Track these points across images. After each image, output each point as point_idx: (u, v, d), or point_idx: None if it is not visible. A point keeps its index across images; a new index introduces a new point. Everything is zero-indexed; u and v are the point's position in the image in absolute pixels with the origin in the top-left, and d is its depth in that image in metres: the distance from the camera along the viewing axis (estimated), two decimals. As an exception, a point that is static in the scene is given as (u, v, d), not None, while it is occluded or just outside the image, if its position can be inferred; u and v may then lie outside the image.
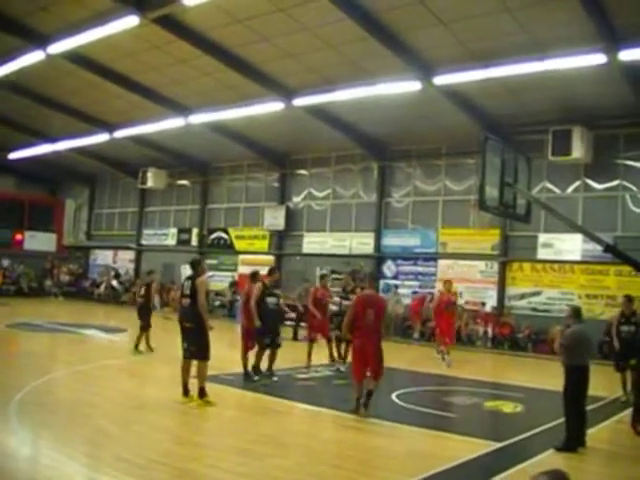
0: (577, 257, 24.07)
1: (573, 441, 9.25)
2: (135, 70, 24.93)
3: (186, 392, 11.20)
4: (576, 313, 10.12)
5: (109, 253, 43.02)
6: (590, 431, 10.51)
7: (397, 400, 12.59)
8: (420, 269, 28.35)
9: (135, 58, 23.63)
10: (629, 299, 14.92)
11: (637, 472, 8.63)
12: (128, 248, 40.75)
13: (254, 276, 14.65)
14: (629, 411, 11.12)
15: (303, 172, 32.74)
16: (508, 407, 12.64)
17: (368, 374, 11.02)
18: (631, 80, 19.74)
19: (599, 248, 12.26)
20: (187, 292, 11.47)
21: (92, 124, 31.42)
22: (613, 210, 23.54)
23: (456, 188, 27.48)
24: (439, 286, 24.84)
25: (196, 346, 11.18)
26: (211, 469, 7.43)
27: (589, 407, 12.83)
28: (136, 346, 17.47)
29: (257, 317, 13.52)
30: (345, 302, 15.89)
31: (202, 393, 11.08)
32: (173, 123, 28.68)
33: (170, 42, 21.60)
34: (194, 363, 11.32)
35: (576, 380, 9.40)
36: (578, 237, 23.01)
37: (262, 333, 13.77)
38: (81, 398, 10.94)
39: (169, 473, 7.21)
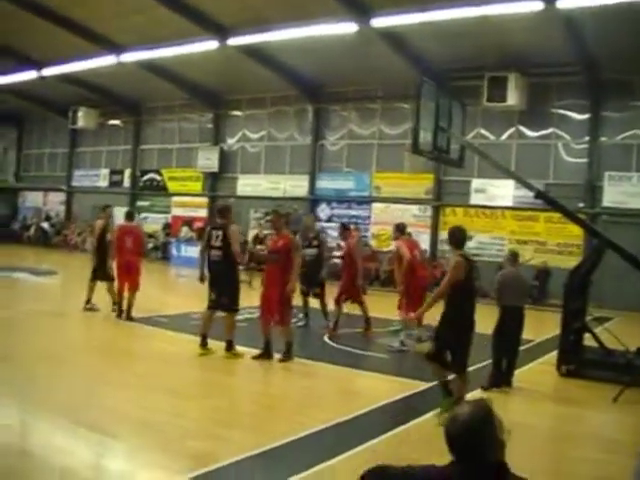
0: (509, 203, 24.47)
1: (498, 378, 9.48)
2: (62, 4, 24.06)
3: (205, 343, 10.78)
4: (512, 257, 10.31)
5: (39, 195, 42.07)
6: (516, 372, 10.77)
7: (329, 341, 12.68)
8: (354, 212, 28.45)
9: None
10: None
11: (559, 410, 8.90)
12: (58, 190, 39.91)
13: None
14: (555, 353, 11.37)
15: (237, 113, 32.35)
16: (438, 349, 12.80)
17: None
18: (568, 28, 19.87)
19: (530, 194, 12.47)
20: (217, 244, 10.72)
21: (18, 61, 30.32)
22: (545, 158, 23.94)
23: (391, 132, 27.52)
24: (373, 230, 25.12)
25: (228, 298, 10.71)
26: (144, 411, 7.37)
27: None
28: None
29: None
30: (308, 251, 13.93)
31: (230, 346, 10.72)
32: (104, 61, 27.93)
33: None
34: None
35: (502, 320, 9.60)
36: (510, 183, 23.32)
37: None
38: (9, 343, 10.69)
39: (101, 415, 7.12)
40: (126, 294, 13.91)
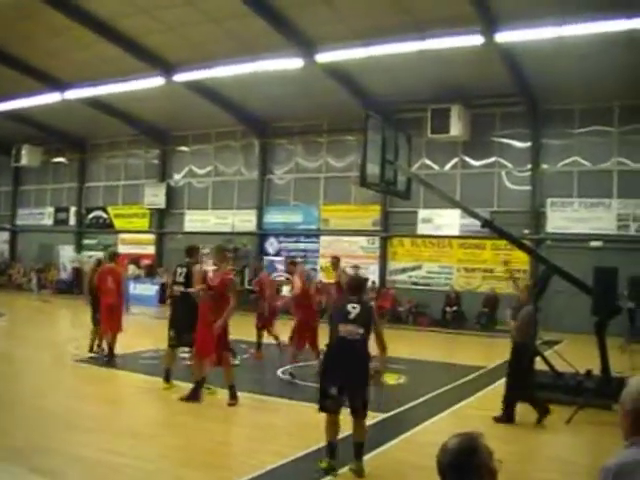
0: (455, 232, 24.83)
1: (512, 414, 9.53)
2: (4, 40, 23.79)
3: (168, 378, 10.90)
4: (530, 292, 10.17)
5: (-18, 234, 41.29)
6: (470, 399, 10.94)
7: (282, 376, 12.67)
8: (302, 246, 28.55)
9: (4, 27, 22.54)
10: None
11: (515, 434, 8.99)
12: (2, 229, 39.24)
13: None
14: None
15: (184, 149, 32.35)
16: (391, 379, 12.86)
17: None
18: (507, 61, 20.43)
19: (476, 223, 12.70)
20: (180, 280, 11.07)
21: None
22: (489, 186, 24.42)
23: (337, 165, 27.79)
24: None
25: (189, 334, 10.56)
26: (103, 453, 7.26)
27: (470, 376, 13.34)
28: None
29: None
30: None
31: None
32: (48, 98, 27.73)
33: (43, 11, 20.67)
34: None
35: (523, 356, 9.63)
36: (456, 212, 23.67)
37: None
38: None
39: (59, 460, 7.00)
40: (107, 335, 13.58)
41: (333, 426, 7.02)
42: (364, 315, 7.06)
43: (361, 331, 6.96)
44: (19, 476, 6.57)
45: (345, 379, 6.94)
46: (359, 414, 7.02)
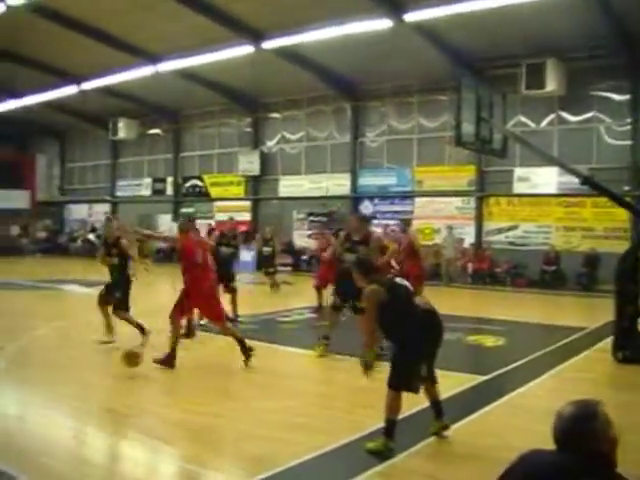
0: (553, 190, 24.19)
1: None
2: (98, 17, 24.35)
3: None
4: None
5: (84, 207, 42.73)
6: (571, 361, 10.70)
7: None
8: (397, 208, 28.39)
9: (98, 6, 23.10)
10: None
11: (619, 396, 8.74)
12: (103, 201, 40.46)
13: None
14: (609, 339, 11.23)
15: (275, 115, 32.48)
16: (490, 341, 12.75)
17: None
18: (603, 11, 19.61)
19: (575, 180, 12.36)
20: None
21: (59, 77, 30.86)
22: (588, 142, 23.61)
23: (430, 125, 27.42)
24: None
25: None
26: (199, 416, 7.42)
27: (571, 338, 13.07)
28: None
29: None
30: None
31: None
32: (142, 72, 28.26)
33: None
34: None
35: None
36: (554, 170, 23.09)
37: None
38: (64, 354, 10.86)
39: (155, 421, 7.22)
40: None
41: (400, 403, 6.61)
42: None
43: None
44: (123, 437, 6.84)
45: (431, 353, 6.78)
46: (435, 377, 7.00)
